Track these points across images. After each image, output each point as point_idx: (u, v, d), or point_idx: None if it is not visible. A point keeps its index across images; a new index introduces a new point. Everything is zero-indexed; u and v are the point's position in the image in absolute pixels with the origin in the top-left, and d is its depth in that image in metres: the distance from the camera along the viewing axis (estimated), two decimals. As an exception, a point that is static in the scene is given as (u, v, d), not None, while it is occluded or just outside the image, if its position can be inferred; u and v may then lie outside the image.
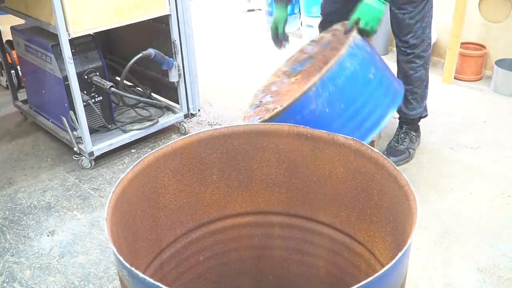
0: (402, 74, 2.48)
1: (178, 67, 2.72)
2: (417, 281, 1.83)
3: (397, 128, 2.65)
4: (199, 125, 3.02)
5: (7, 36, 2.96)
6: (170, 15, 2.58)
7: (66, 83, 2.45)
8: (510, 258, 1.92)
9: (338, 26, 2.24)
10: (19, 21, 2.72)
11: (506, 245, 1.96)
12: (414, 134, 2.61)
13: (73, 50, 2.32)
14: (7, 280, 1.91)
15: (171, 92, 2.93)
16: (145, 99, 2.85)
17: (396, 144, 2.57)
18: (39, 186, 2.48)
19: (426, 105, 2.59)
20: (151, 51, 2.61)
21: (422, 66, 2.43)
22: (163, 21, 2.63)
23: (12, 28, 2.80)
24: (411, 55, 2.40)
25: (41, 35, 2.58)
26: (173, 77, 2.76)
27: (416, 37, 2.35)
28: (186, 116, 2.91)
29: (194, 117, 2.99)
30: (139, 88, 3.09)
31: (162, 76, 2.93)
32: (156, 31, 2.78)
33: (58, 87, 2.54)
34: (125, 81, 2.84)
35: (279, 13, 2.40)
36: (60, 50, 2.30)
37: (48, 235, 2.14)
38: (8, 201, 2.38)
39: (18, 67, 3.13)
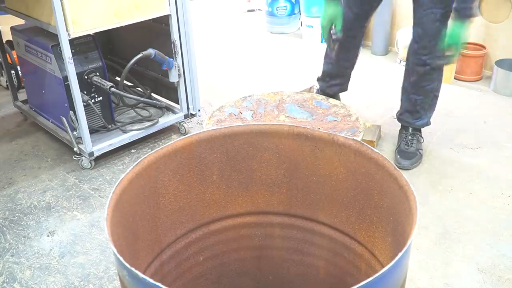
0: (414, 84, 2.41)
1: (178, 67, 2.72)
2: (417, 281, 1.83)
3: (402, 131, 2.62)
4: (199, 125, 3.02)
5: (7, 36, 2.96)
6: (170, 15, 2.58)
7: (66, 83, 2.45)
8: (510, 258, 1.92)
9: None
10: (19, 21, 2.72)
11: (506, 245, 1.96)
12: (419, 134, 2.59)
13: (73, 50, 2.32)
14: (7, 280, 1.91)
15: (171, 92, 2.93)
16: (145, 99, 2.85)
17: (406, 147, 2.53)
18: (39, 186, 2.48)
19: (431, 115, 2.55)
20: (151, 51, 2.61)
21: (436, 78, 2.36)
22: (163, 21, 2.63)
23: (12, 28, 2.80)
24: (428, 67, 2.30)
25: (41, 35, 2.58)
26: (173, 77, 2.76)
27: (442, 43, 2.20)
28: (186, 116, 2.91)
29: (194, 117, 2.99)
30: (139, 88, 3.09)
31: (162, 76, 2.93)
32: (156, 31, 2.78)
33: (58, 87, 2.54)
34: (125, 81, 2.84)
35: (333, 9, 2.28)
36: (60, 50, 2.30)
37: (48, 235, 2.14)
38: (8, 201, 2.38)
39: (18, 67, 3.13)
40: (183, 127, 2.89)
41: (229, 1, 5.55)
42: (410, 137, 2.55)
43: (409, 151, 2.51)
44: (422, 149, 2.57)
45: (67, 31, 2.24)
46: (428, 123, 2.56)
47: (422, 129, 2.64)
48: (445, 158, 2.59)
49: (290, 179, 1.42)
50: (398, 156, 2.51)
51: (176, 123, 2.90)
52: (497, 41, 3.40)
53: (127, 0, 2.38)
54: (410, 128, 2.58)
